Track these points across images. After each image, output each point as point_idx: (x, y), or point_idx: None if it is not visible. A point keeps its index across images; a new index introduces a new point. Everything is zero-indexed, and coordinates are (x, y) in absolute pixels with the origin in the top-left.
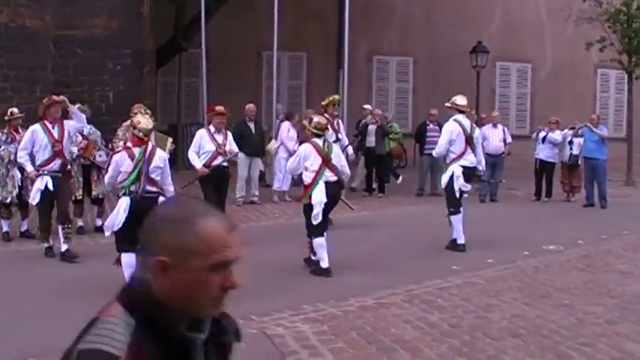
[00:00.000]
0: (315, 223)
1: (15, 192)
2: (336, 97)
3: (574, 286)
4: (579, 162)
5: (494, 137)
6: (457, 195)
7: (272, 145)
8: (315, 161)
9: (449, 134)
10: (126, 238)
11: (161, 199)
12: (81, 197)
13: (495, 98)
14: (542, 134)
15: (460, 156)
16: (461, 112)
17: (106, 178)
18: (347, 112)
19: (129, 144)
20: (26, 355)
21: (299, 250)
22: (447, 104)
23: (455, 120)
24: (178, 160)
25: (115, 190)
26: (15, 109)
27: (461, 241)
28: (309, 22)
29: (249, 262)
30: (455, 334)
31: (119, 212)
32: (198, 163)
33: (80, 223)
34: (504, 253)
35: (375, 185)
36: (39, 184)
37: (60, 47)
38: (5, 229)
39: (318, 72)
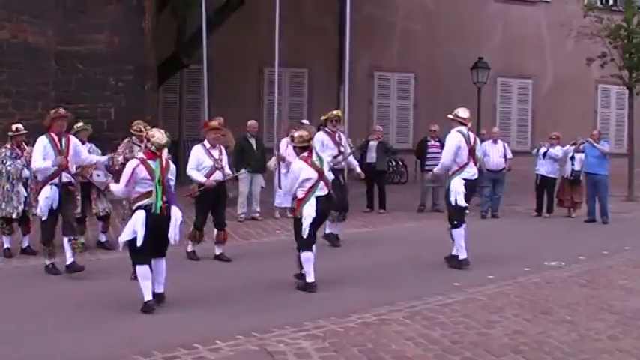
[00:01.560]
0: (304, 236)
1: (20, 208)
2: (335, 112)
3: (575, 302)
4: (581, 177)
5: (495, 153)
6: (458, 207)
7: (271, 161)
8: (311, 175)
9: (455, 146)
10: (143, 252)
11: (173, 208)
12: (80, 215)
13: (496, 114)
14: (542, 150)
15: (462, 168)
16: (462, 124)
17: (121, 187)
18: (348, 128)
19: (142, 156)
20: None
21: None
22: (450, 116)
23: (458, 131)
24: (180, 176)
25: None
26: (20, 125)
27: (463, 256)
28: (310, 38)
29: (251, 279)
30: (456, 351)
31: (137, 226)
32: (201, 177)
33: (82, 239)
34: (505, 269)
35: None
36: (46, 196)
37: (62, 63)
38: (7, 245)
39: (319, 88)
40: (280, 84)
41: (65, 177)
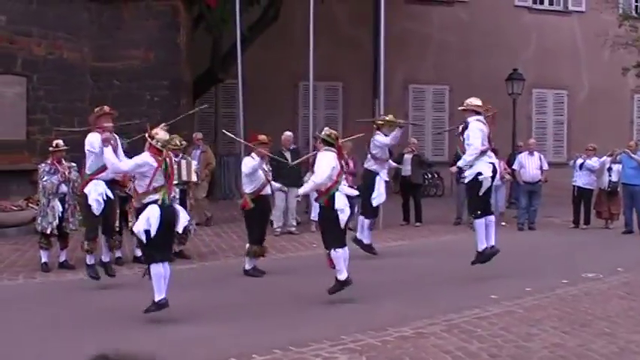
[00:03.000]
0: (337, 231)
1: (55, 223)
2: (389, 117)
3: (615, 314)
4: (618, 189)
5: (531, 165)
6: (482, 196)
7: (308, 174)
8: (337, 165)
9: (480, 132)
10: (157, 248)
11: (177, 206)
12: (118, 229)
13: (532, 125)
14: (579, 161)
15: (484, 152)
16: (477, 112)
17: (123, 166)
18: None
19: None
20: None
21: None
22: (461, 107)
23: (478, 120)
24: (215, 189)
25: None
26: (60, 141)
27: (482, 246)
28: (344, 51)
29: (288, 293)
30: None
31: (151, 221)
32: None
33: (118, 254)
34: (543, 281)
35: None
36: (97, 191)
37: (97, 79)
38: (44, 259)
39: (354, 101)
40: (315, 98)
41: (111, 175)
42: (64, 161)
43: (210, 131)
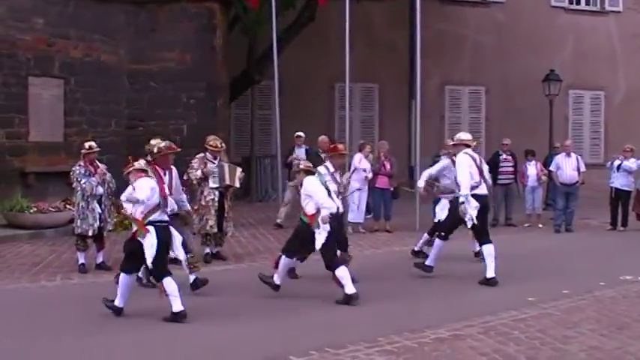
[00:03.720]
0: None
1: (96, 225)
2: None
3: None
4: None
5: (568, 166)
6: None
7: (345, 176)
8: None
9: (467, 167)
10: (163, 264)
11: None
12: None
13: (568, 126)
14: (616, 162)
15: (474, 187)
16: (467, 146)
17: (139, 196)
18: (419, 142)
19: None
20: None
21: (373, 282)
22: (452, 142)
23: (465, 153)
24: (252, 192)
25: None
26: (93, 143)
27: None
28: (380, 53)
29: (324, 294)
30: None
31: (153, 244)
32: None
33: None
34: (580, 283)
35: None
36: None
37: (134, 81)
38: (82, 261)
39: (390, 103)
40: (351, 99)
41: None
42: (97, 163)
43: (246, 133)
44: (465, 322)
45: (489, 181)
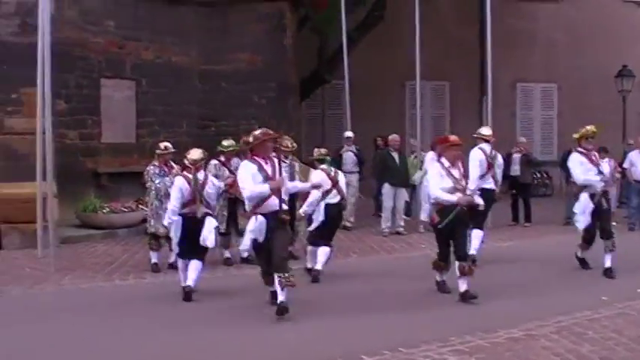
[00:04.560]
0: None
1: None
2: (590, 127)
3: None
4: None
5: None
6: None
7: (417, 175)
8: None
9: (477, 163)
10: (187, 250)
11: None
12: (225, 230)
13: None
14: None
15: (483, 176)
16: (486, 141)
17: (173, 202)
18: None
19: (185, 172)
20: None
21: (447, 281)
22: (475, 135)
23: (479, 148)
24: None
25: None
26: (169, 144)
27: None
28: (451, 50)
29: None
30: None
31: (178, 230)
32: (451, 196)
33: (227, 254)
34: None
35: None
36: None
37: (205, 82)
38: (154, 260)
39: (461, 101)
40: (422, 97)
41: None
42: (171, 163)
43: (318, 133)
44: (539, 322)
45: (498, 176)
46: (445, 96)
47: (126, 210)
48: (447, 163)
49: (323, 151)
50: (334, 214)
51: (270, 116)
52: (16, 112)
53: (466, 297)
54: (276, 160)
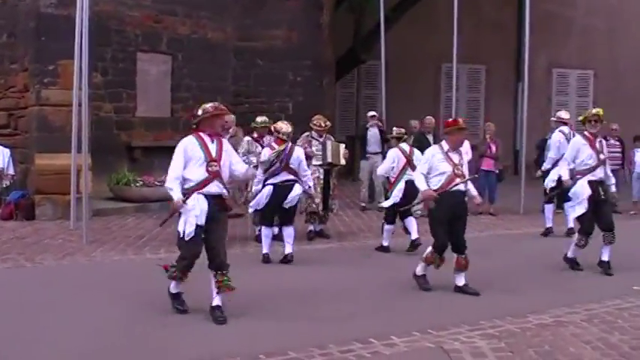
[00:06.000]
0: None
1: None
2: (595, 110)
3: None
4: None
5: None
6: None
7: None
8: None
9: (558, 145)
10: (266, 217)
11: (297, 185)
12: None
13: None
14: None
15: (558, 160)
16: (565, 124)
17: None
18: (527, 125)
19: (274, 144)
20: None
21: (479, 264)
22: (553, 118)
23: (559, 131)
24: (355, 171)
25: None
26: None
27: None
28: (488, 34)
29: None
30: (636, 357)
31: (263, 197)
32: (425, 185)
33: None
34: None
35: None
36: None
37: (240, 58)
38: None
39: (496, 85)
40: (457, 80)
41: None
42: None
43: (352, 112)
44: (569, 308)
45: None
46: (481, 79)
47: (159, 184)
48: (446, 147)
49: (401, 130)
50: (411, 192)
51: (304, 94)
52: (52, 83)
53: (468, 290)
54: (224, 140)
